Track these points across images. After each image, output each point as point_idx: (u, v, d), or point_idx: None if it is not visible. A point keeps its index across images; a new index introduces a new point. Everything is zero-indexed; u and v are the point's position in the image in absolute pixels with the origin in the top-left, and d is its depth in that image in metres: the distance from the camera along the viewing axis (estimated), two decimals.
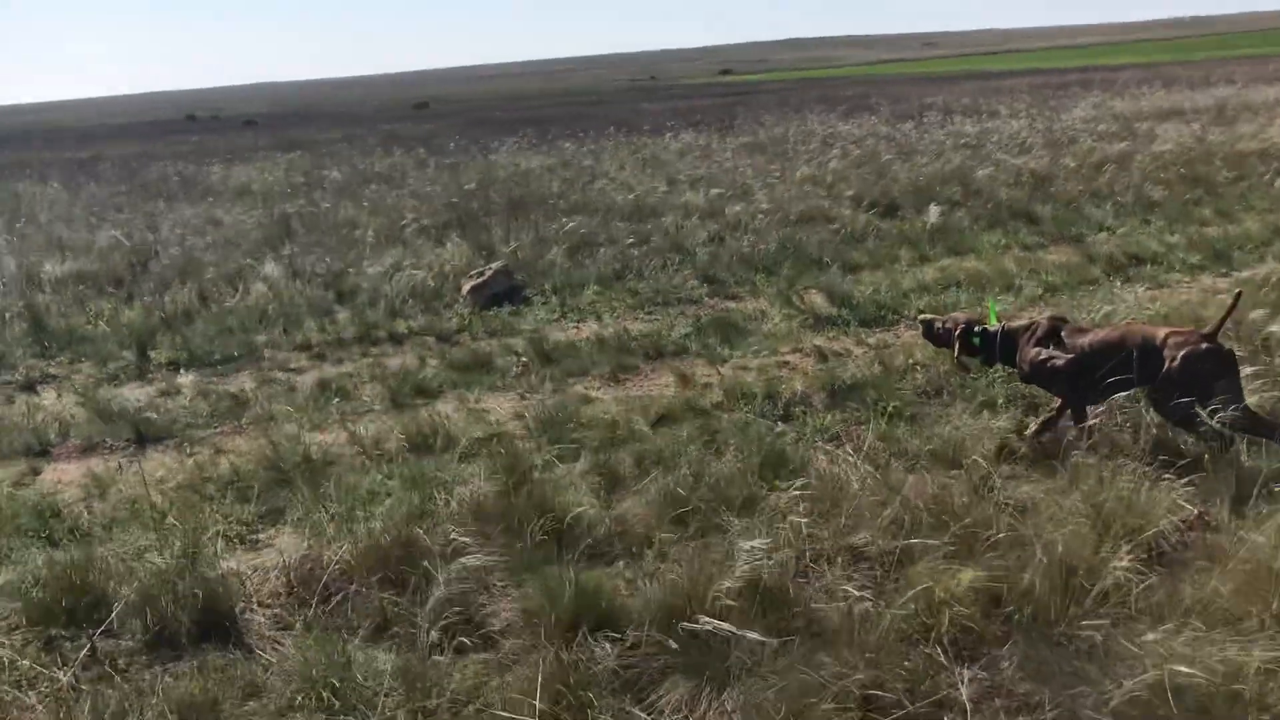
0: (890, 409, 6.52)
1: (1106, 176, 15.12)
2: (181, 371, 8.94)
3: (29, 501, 5.89)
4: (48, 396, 8.48)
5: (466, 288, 10.88)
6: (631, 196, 15.75)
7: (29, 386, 8.75)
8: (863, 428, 6.29)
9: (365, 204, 17.19)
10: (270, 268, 12.33)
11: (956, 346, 6.24)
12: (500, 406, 7.47)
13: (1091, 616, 3.79)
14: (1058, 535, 4.16)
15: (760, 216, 13.58)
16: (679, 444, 6.07)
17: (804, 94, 53.87)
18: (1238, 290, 5.59)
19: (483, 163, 23.92)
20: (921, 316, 6.85)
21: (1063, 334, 5.84)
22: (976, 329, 6.19)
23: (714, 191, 15.76)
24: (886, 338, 8.62)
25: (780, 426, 6.46)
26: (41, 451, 7.03)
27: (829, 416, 6.58)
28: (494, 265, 11.21)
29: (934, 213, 12.91)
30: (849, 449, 5.80)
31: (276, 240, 14.31)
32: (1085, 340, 5.70)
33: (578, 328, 9.75)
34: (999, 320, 6.26)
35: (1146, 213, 13.05)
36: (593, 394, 7.62)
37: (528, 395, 7.67)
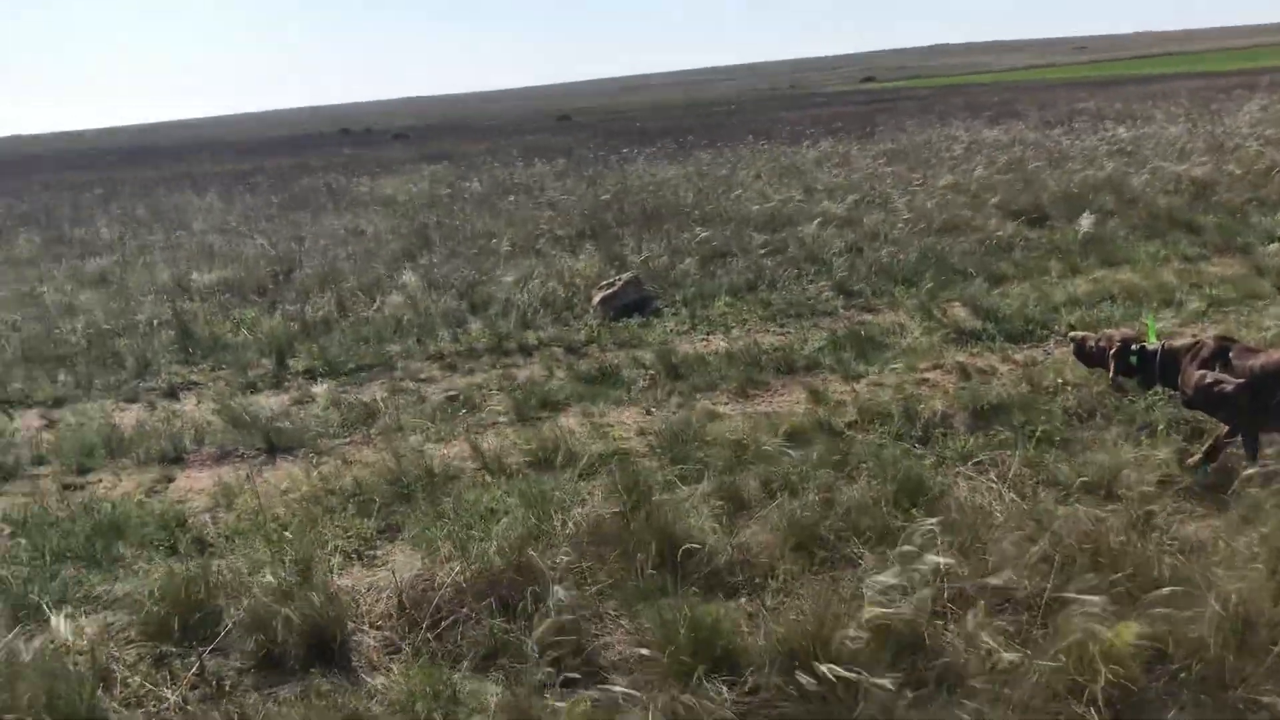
0: (1038, 433, 6.08)
1: (1277, 183, 14.11)
2: (317, 380, 9.04)
3: (156, 511, 5.96)
4: (188, 403, 8.69)
5: (597, 298, 10.77)
6: (767, 206, 15.43)
7: (171, 393, 8.98)
8: (1008, 453, 5.86)
9: (502, 215, 17.32)
10: (408, 278, 12.46)
11: (1111, 367, 5.80)
12: (625, 421, 7.29)
13: (1273, 679, 3.36)
14: (1231, 582, 3.73)
15: (900, 226, 13.12)
16: (808, 466, 5.78)
17: (948, 101, 52.47)
18: None
19: (619, 173, 23.92)
20: (1072, 333, 6.39)
21: (1231, 355, 5.35)
22: (1134, 347, 5.74)
23: (851, 200, 15.34)
24: (1035, 355, 8.12)
25: (918, 450, 6.10)
26: (176, 459, 7.16)
27: (971, 440, 6.17)
28: (624, 276, 11.07)
29: (1086, 222, 12.23)
30: (993, 476, 5.44)
31: (415, 251, 14.50)
32: (1258, 362, 5.21)
33: (707, 340, 9.51)
34: (1158, 338, 5.79)
35: None
36: (720, 410, 7.36)
37: (653, 410, 7.48)
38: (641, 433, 6.89)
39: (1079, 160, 17.88)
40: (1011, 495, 5.14)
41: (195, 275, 13.21)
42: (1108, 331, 6.14)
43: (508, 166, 29.08)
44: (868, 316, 9.86)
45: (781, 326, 9.79)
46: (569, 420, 7.38)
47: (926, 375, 7.80)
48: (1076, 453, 5.80)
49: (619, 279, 10.99)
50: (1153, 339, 5.76)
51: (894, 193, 15.96)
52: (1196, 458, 5.52)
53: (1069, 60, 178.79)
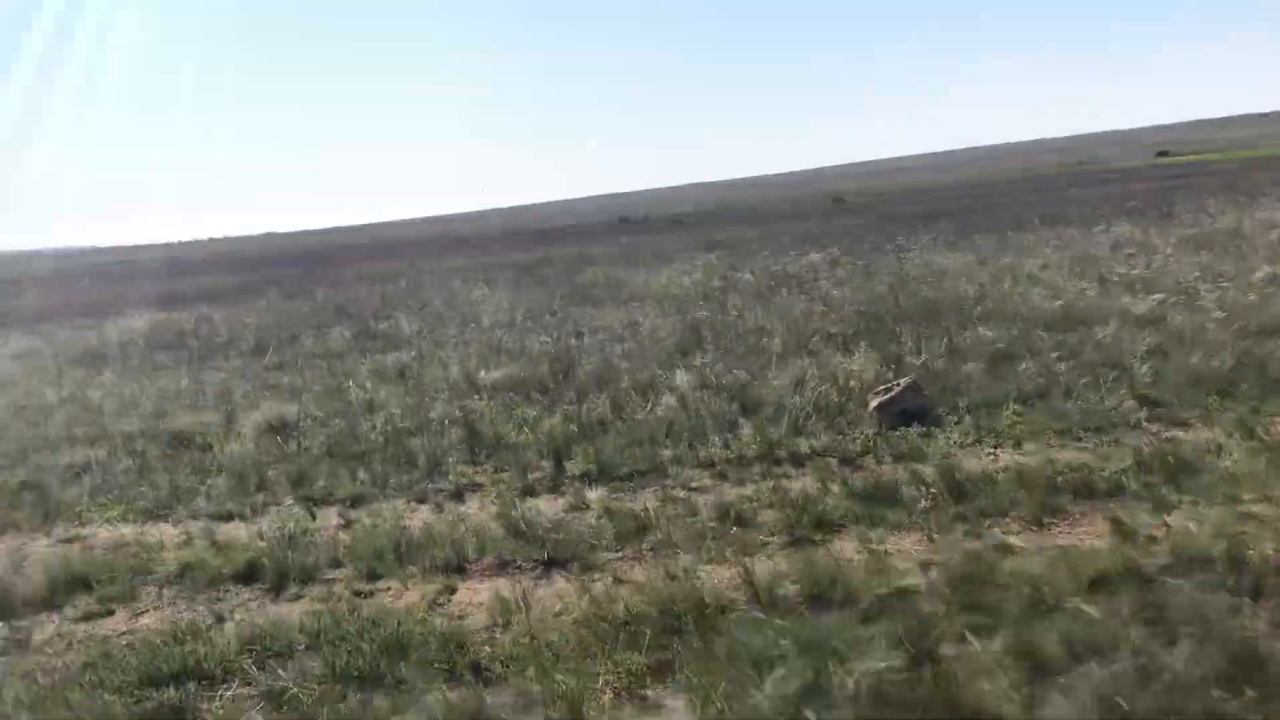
0: None
1: None
2: (591, 485, 9.11)
3: (438, 629, 6.07)
4: (472, 505, 8.95)
5: (873, 404, 10.38)
6: (1058, 302, 14.54)
7: (457, 494, 9.29)
8: None
9: (774, 309, 17.21)
10: (680, 377, 12.50)
11: None
12: (905, 548, 6.88)
13: None
14: None
15: (1210, 326, 11.98)
16: (1117, 623, 5.19)
17: (1254, 177, 48.45)
18: None
19: (895, 262, 23.37)
20: None
21: None
22: None
23: (1154, 296, 14.21)
24: None
25: (1248, 607, 5.36)
26: (459, 568, 7.34)
27: None
28: (902, 380, 10.62)
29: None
30: None
31: (688, 348, 14.58)
32: None
33: (994, 455, 8.92)
34: None
35: None
36: (1011, 540, 6.81)
37: (936, 537, 7.02)
38: (924, 566, 6.46)
39: None
40: None
41: (483, 373, 13.78)
42: None
43: (780, 255, 29.07)
44: (1177, 433, 8.97)
45: (1078, 441, 9.05)
46: (844, 545, 7.04)
47: (1252, 509, 6.95)
48: None
49: (896, 384, 10.56)
50: None
51: (1200, 286, 14.68)
52: None
53: None
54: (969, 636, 5.20)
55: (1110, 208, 33.56)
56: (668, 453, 9.81)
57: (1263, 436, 8.40)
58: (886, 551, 6.82)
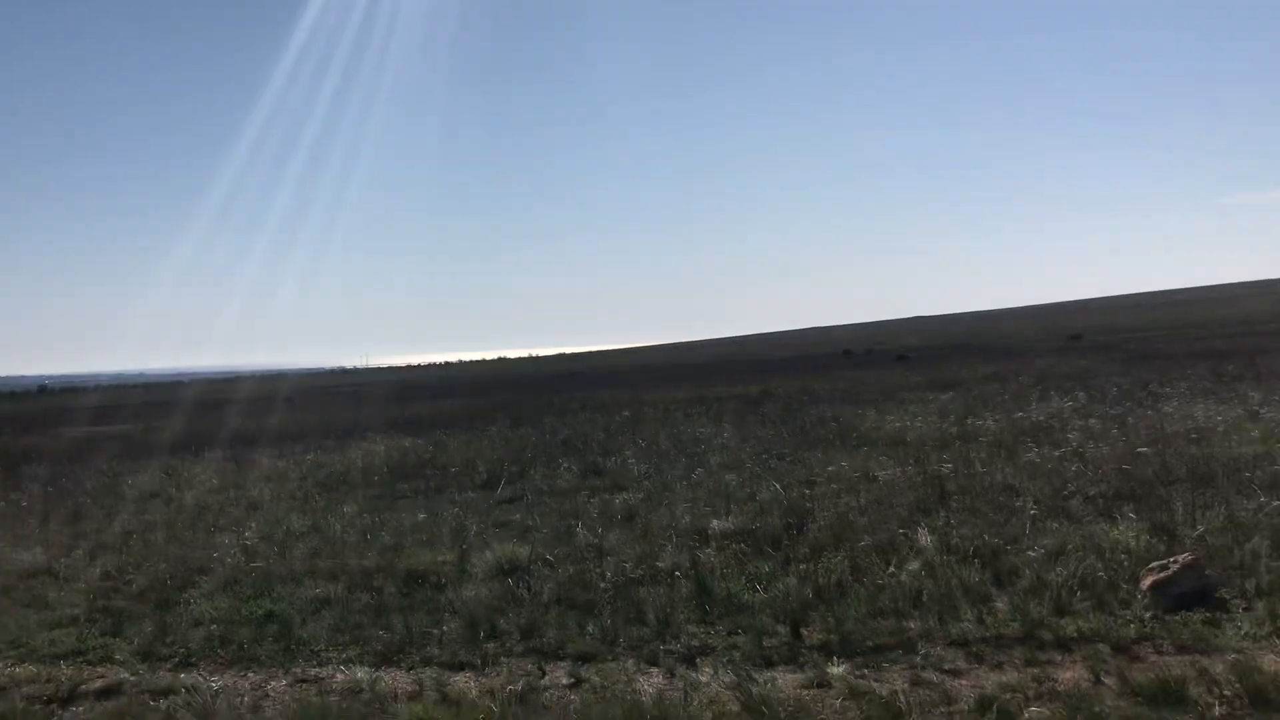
0: None
1: None
2: (833, 658, 8.55)
3: None
4: (704, 672, 8.53)
5: (1147, 583, 9.42)
6: None
7: (688, 658, 8.91)
8: None
9: (1022, 464, 16.21)
10: (923, 538, 11.82)
11: None
12: None
13: None
14: None
15: None
16: None
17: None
18: None
19: (1151, 413, 21.79)
20: None
21: None
22: None
23: None
24: None
25: None
26: None
27: None
28: (1181, 557, 9.60)
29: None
30: None
31: (930, 503, 13.84)
32: None
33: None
34: None
35: None
36: None
37: None
38: None
39: None
40: None
41: (714, 522, 13.47)
42: None
43: (1019, 399, 27.68)
44: None
45: None
46: None
47: None
48: None
49: (1175, 560, 9.56)
50: None
51: None
52: None
53: None
54: None
55: None
56: (914, 625, 9.16)
57: None
58: None
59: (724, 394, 40.99)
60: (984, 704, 7.26)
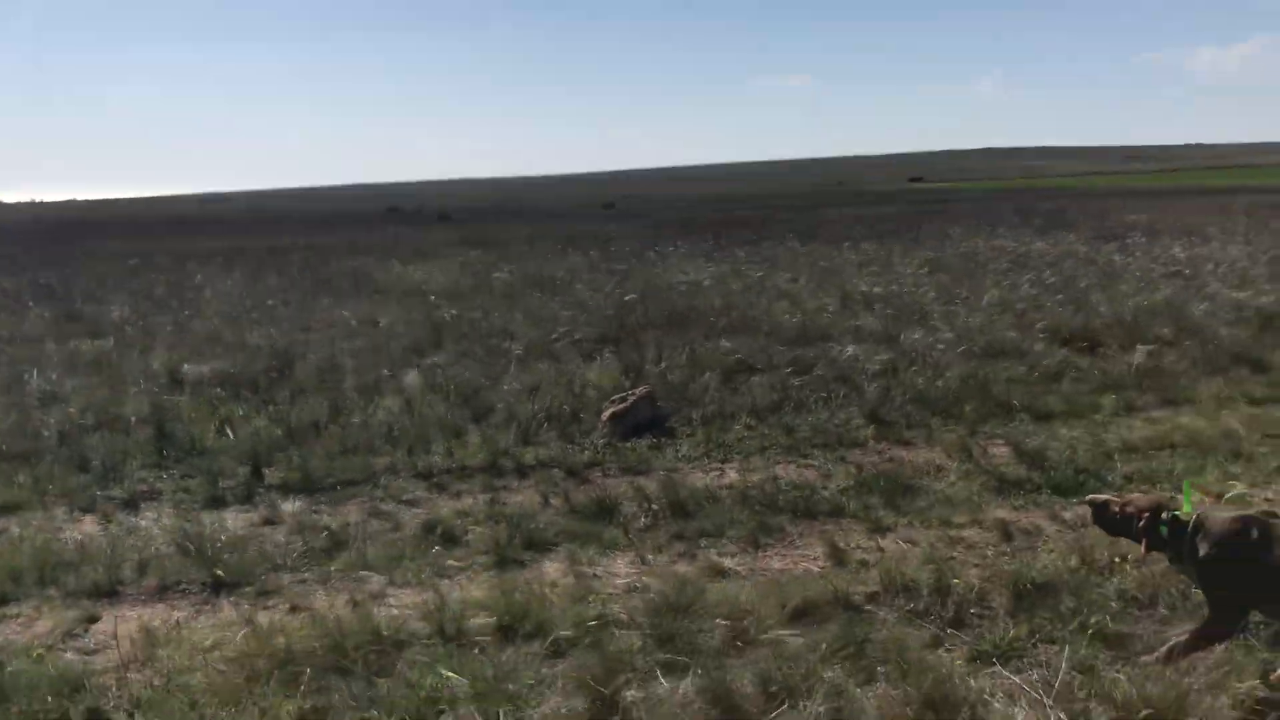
0: (1091, 625, 5.17)
1: None
2: (291, 496, 8.23)
3: (59, 668, 5.13)
4: (147, 516, 7.90)
5: (607, 414, 9.96)
6: (799, 317, 14.59)
7: (132, 503, 8.20)
8: (1055, 650, 4.95)
9: (527, 311, 16.63)
10: (411, 379, 11.75)
11: (1144, 541, 4.80)
12: (616, 572, 6.43)
13: None
14: None
15: (940, 347, 12.25)
16: (816, 659, 4.88)
17: (998, 206, 51.90)
18: None
19: (652, 270, 23.26)
20: (1092, 497, 5.26)
21: (1275, 536, 4.42)
22: (1165, 516, 4.75)
23: (889, 313, 14.51)
24: (1086, 514, 7.18)
25: (949, 638, 5.20)
26: (111, 591, 6.36)
27: (1012, 629, 5.25)
28: (638, 391, 10.26)
29: (1140, 353, 11.33)
30: (1037, 683, 4.55)
31: (426, 347, 13.82)
32: None
33: (721, 470, 8.64)
34: (1194, 506, 4.80)
35: None
36: (725, 564, 6.48)
37: (649, 559, 6.62)
38: (631, 590, 6.02)
39: (1133, 281, 16.98)
40: (1060, 716, 4.25)
41: (188, 366, 12.56)
42: (1134, 497, 5.08)
43: (544, 257, 28.55)
44: (901, 452, 8.96)
45: (805, 458, 8.91)
46: (553, 567, 6.53)
47: (964, 533, 6.88)
48: (1137, 653, 4.88)
49: (632, 394, 10.19)
50: (1188, 507, 4.78)
51: (935, 307, 15.10)
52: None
53: (1121, 169, 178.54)
54: (660, 676, 4.76)
55: (863, 229, 34.88)
56: (385, 461, 9.06)
57: (979, 459, 8.47)
58: (595, 575, 6.35)
59: (256, 246, 38.68)
60: (431, 527, 7.29)
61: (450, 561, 6.68)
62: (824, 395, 10.64)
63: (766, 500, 7.61)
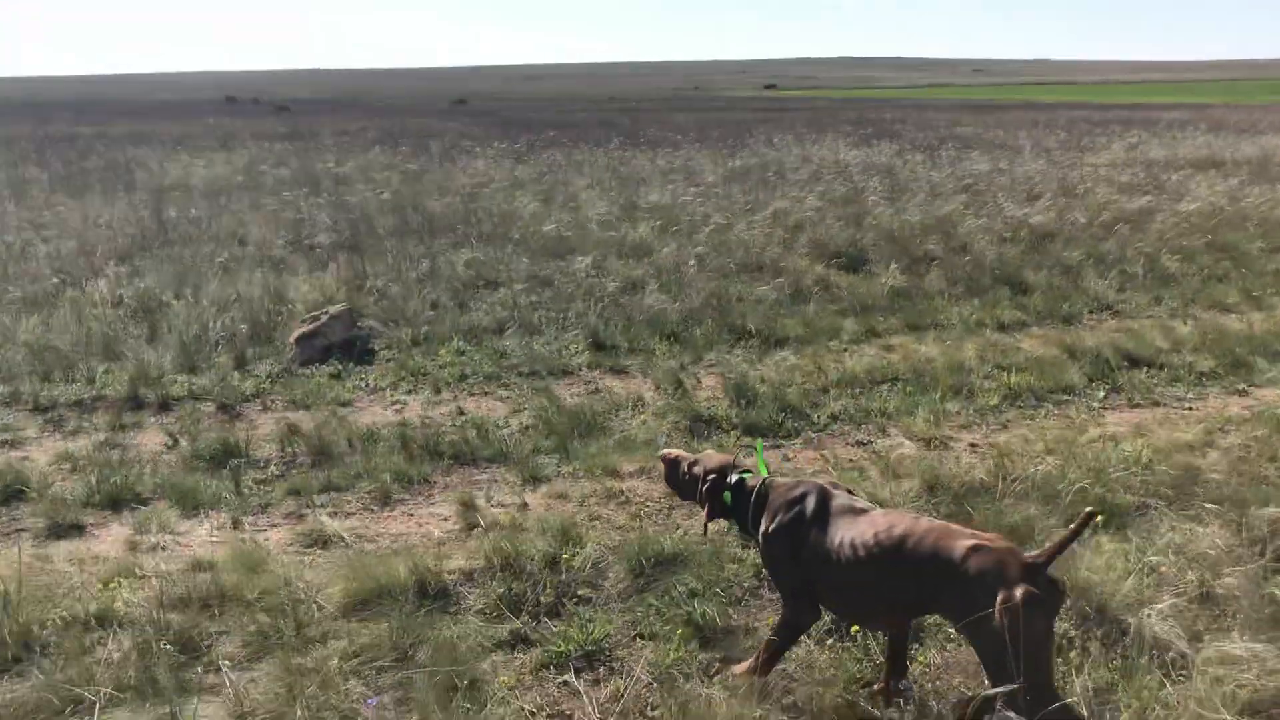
0: (701, 616, 4.34)
1: (1117, 239, 12.74)
2: None
3: None
4: None
5: (295, 335, 8.77)
6: (554, 228, 13.40)
7: None
8: (649, 651, 4.12)
9: (271, 211, 15.11)
10: (99, 286, 10.31)
11: (706, 505, 4.04)
12: (191, 540, 5.33)
13: None
14: None
15: (691, 263, 11.35)
16: (355, 664, 3.94)
17: (838, 114, 51.40)
18: (1089, 510, 3.23)
19: (447, 172, 21.75)
20: (665, 452, 4.44)
21: (832, 511, 3.64)
22: (732, 479, 3.99)
23: (656, 224, 13.55)
24: (773, 459, 6.38)
25: (534, 634, 4.31)
26: None
27: (611, 620, 4.39)
28: (333, 308, 9.08)
29: (891, 274, 10.67)
30: (607, 701, 3.73)
31: (138, 249, 12.29)
32: (848, 535, 3.51)
33: (403, 405, 7.58)
34: (768, 470, 4.09)
35: (1159, 288, 10.72)
36: (332, 527, 5.44)
37: (245, 521, 5.56)
38: (193, 568, 4.90)
39: (923, 193, 16.39)
40: None
41: None
42: (705, 455, 4.27)
43: (353, 152, 26.63)
44: (613, 382, 8.05)
45: (504, 387, 7.93)
46: (116, 534, 5.39)
47: (626, 484, 6.00)
48: (732, 659, 4.08)
49: (325, 312, 9.00)
50: (763, 470, 4.06)
51: (713, 218, 14.19)
52: (879, 685, 3.84)
53: (965, 81, 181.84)
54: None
55: (694, 134, 33.80)
56: (23, 388, 7.68)
57: (689, 390, 7.62)
58: (161, 546, 5.24)
59: (37, 134, 35.53)
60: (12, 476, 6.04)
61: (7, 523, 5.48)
62: (556, 314, 9.67)
63: (428, 443, 6.58)
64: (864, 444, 6.61)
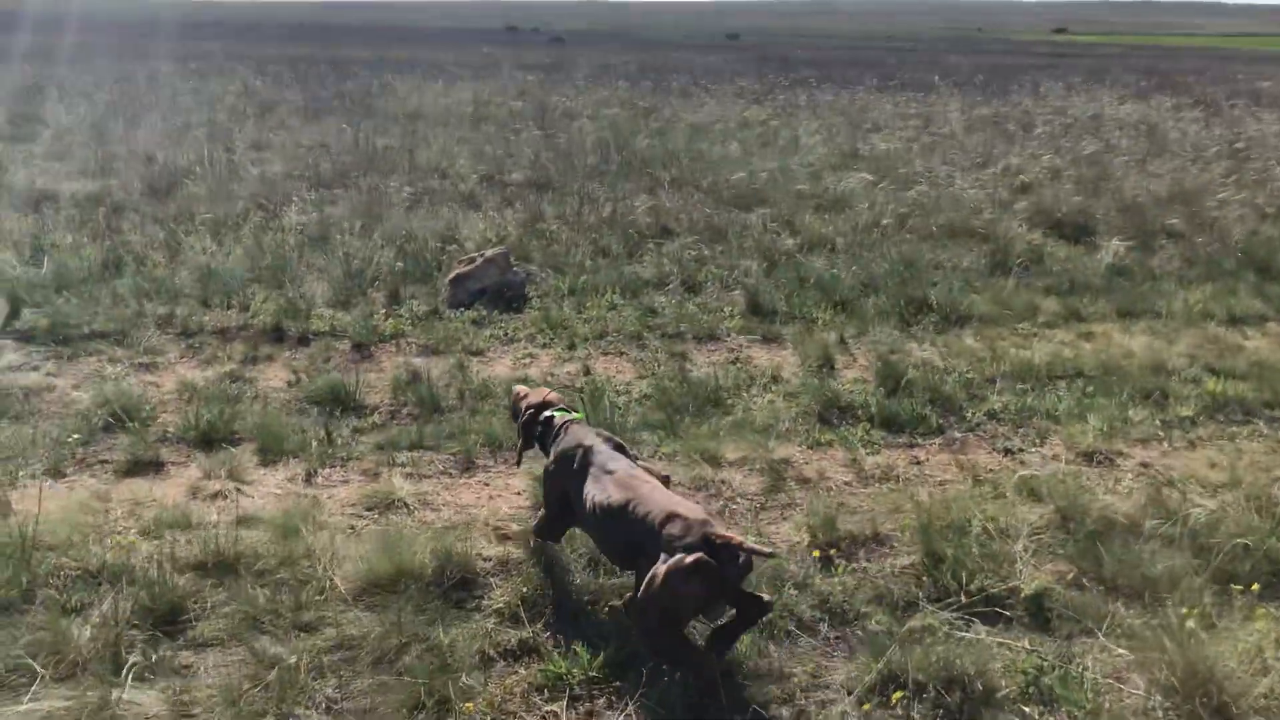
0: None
1: None
2: (27, 344, 7.15)
3: None
4: None
5: (450, 275, 8.59)
6: (743, 175, 12.64)
7: None
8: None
9: (481, 143, 15.12)
10: (289, 212, 10.53)
11: (521, 438, 4.58)
12: (259, 489, 5.17)
13: None
14: None
15: (886, 221, 10.40)
16: (334, 659, 3.63)
17: (1125, 62, 47.25)
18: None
19: (678, 110, 21.22)
20: (518, 387, 4.97)
21: (591, 465, 4.06)
22: (545, 416, 4.48)
23: (869, 175, 12.57)
24: (897, 461, 5.61)
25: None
26: None
27: (626, 643, 3.86)
28: (489, 250, 8.81)
29: (1113, 249, 9.37)
30: None
31: (340, 176, 12.53)
32: (593, 491, 3.96)
33: (531, 358, 7.24)
34: (585, 416, 4.80)
35: None
36: (404, 490, 5.14)
37: (325, 475, 5.36)
38: (243, 521, 4.70)
39: (1185, 158, 14.51)
40: None
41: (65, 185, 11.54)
42: (537, 391, 4.74)
43: (599, 85, 26.51)
44: (759, 352, 7.41)
45: (642, 349, 7.44)
46: (188, 476, 5.30)
47: (721, 473, 5.40)
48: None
49: (481, 254, 8.75)
50: (580, 415, 4.57)
51: (936, 171, 13.03)
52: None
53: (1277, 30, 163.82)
54: None
55: (958, 78, 31.76)
56: (166, 310, 7.84)
57: (836, 368, 6.90)
58: (223, 494, 5.09)
59: (321, 56, 37.55)
60: (107, 403, 6.07)
61: (73, 457, 5.47)
62: (722, 272, 9.07)
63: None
64: (1012, 453, 5.71)
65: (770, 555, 3.69)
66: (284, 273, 8.72)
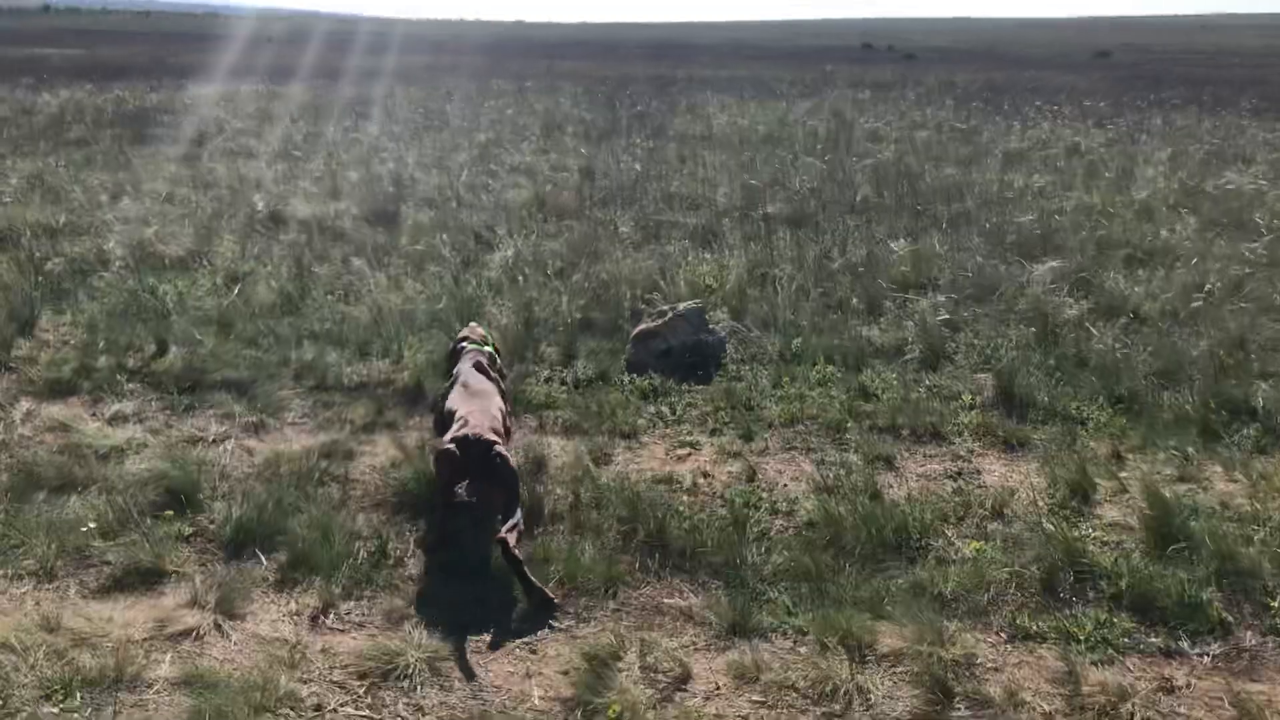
0: None
1: None
2: (146, 394, 6.46)
3: None
4: None
5: (636, 329, 7.25)
6: (1039, 216, 10.34)
7: None
8: None
9: (748, 169, 13.66)
10: (508, 246, 9.59)
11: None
12: (244, 634, 4.03)
13: None
14: None
15: (1216, 283, 7.94)
16: None
17: None
18: None
19: (1004, 134, 18.74)
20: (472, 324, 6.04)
21: (456, 385, 5.20)
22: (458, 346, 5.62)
23: (1209, 219, 9.97)
24: (1144, 682, 3.62)
25: None
26: None
27: None
28: (681, 307, 7.33)
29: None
30: None
31: (579, 205, 11.55)
32: (451, 398, 5.09)
33: (691, 449, 5.73)
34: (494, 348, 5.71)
35: None
36: (411, 657, 3.84)
37: (336, 614, 4.15)
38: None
39: None
40: None
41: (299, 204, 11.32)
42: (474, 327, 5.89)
43: (926, 107, 24.25)
44: (994, 463, 5.51)
45: (839, 447, 5.72)
46: (162, 602, 4.24)
47: (862, 673, 3.68)
48: None
49: (671, 309, 7.30)
50: (487, 346, 5.62)
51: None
52: None
53: None
54: None
55: None
56: (329, 358, 6.97)
57: (1096, 498, 4.92)
58: (200, 634, 3.99)
59: (648, 75, 37.54)
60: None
61: (76, 552, 4.54)
62: (979, 343, 7.16)
63: (653, 525, 4.71)
64: None
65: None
66: (463, 318, 7.68)
